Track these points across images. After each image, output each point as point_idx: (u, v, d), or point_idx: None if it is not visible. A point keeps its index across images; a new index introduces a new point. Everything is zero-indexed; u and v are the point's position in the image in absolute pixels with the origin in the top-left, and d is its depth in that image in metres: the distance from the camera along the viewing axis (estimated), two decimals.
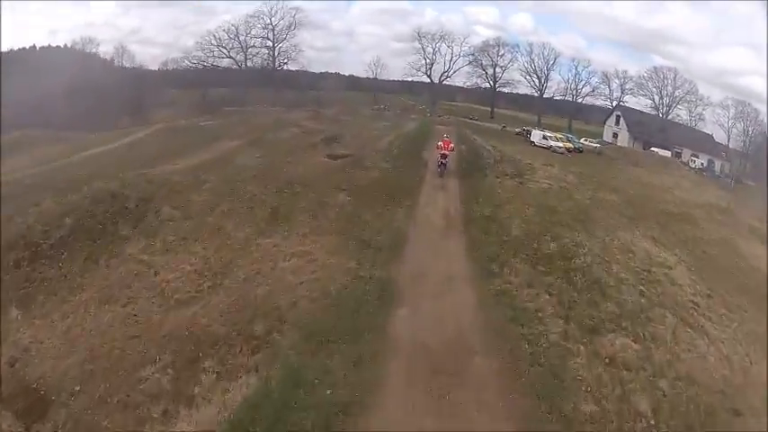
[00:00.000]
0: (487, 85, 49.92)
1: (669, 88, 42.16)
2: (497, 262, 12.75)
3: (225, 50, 47.07)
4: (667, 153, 37.66)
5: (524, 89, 50.20)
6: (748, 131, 42.30)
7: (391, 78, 50.80)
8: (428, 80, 49.12)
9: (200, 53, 46.02)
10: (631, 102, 43.74)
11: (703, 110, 42.46)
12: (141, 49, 49.59)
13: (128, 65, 41.00)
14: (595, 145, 35.40)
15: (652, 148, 36.95)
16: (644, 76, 43.35)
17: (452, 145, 21.54)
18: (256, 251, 13.59)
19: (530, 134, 35.68)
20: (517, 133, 38.89)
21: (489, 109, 50.81)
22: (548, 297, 11.22)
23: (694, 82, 42.17)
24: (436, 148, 21.25)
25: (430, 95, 50.02)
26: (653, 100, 43.22)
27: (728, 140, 42.40)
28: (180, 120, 32.90)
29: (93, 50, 39.30)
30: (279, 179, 18.37)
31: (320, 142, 24.33)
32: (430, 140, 25.33)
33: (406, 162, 21.80)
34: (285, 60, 46.99)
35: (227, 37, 47.12)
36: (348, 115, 37.16)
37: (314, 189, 17.48)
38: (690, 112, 42.51)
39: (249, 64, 47.13)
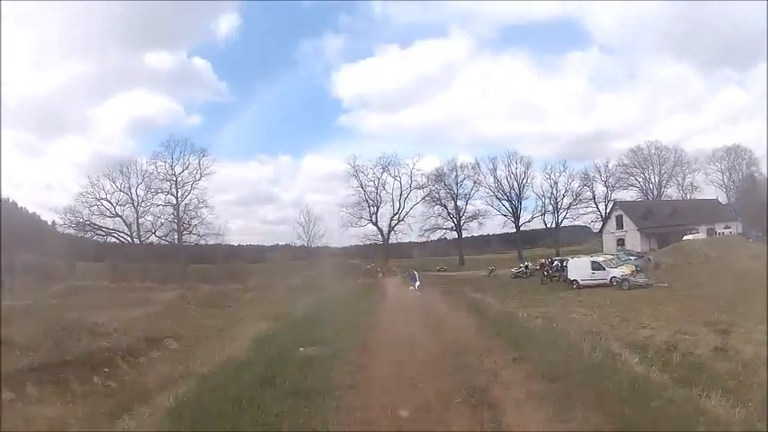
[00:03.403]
0: (451, 224, 42.36)
1: (656, 166, 37.28)
2: None
3: (111, 204, 35.44)
4: (699, 234, 29.59)
5: (495, 224, 43.28)
6: (738, 180, 37.06)
7: (343, 245, 46.43)
8: (382, 240, 42.19)
9: (86, 209, 34.78)
10: (617, 197, 37.55)
11: (693, 176, 37.39)
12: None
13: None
14: (641, 257, 25.49)
15: (685, 237, 28.49)
16: (625, 164, 38.53)
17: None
18: None
19: (551, 269, 24.64)
20: (515, 275, 28.57)
21: (457, 257, 41.90)
22: None
23: (680, 147, 37.76)
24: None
25: (380, 252, 40.64)
26: (640, 187, 37.83)
27: (728, 199, 36.69)
28: None
29: None
30: None
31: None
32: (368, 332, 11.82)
33: None
34: (192, 221, 36.81)
35: (111, 188, 35.91)
36: (259, 288, 25.56)
37: None
38: (679, 185, 37.20)
39: (148, 224, 36.20)
